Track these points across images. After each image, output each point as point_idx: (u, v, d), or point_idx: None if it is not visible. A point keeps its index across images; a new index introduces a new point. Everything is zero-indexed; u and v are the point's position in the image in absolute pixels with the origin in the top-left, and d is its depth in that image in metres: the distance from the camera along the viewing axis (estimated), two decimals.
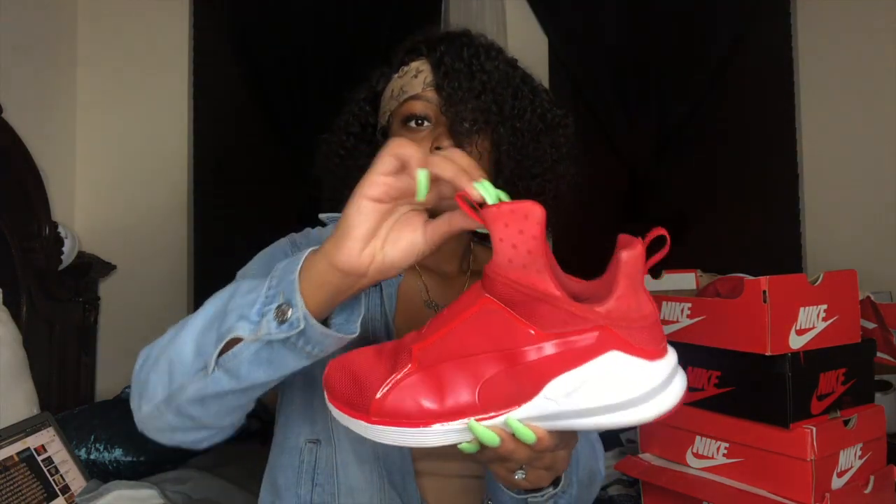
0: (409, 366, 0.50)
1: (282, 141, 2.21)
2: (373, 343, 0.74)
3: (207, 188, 2.34)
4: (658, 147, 2.24)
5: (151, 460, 1.61)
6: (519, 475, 0.57)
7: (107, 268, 2.19)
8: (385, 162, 0.52)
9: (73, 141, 2.23)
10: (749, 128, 2.32)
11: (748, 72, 2.30)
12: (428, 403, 0.49)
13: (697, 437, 1.05)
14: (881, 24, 2.13)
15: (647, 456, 1.14)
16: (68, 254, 1.98)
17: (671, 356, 0.48)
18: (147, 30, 2.28)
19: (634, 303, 0.46)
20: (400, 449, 0.76)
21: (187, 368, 0.60)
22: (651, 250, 0.48)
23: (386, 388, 0.50)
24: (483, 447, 0.51)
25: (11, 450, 1.30)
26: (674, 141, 2.26)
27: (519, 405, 0.48)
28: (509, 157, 0.85)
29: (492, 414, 0.49)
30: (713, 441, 1.03)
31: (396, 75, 0.86)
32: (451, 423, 0.49)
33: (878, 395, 1.25)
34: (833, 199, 2.21)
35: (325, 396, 0.54)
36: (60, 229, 1.96)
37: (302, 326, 0.53)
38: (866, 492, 1.00)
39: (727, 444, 1.01)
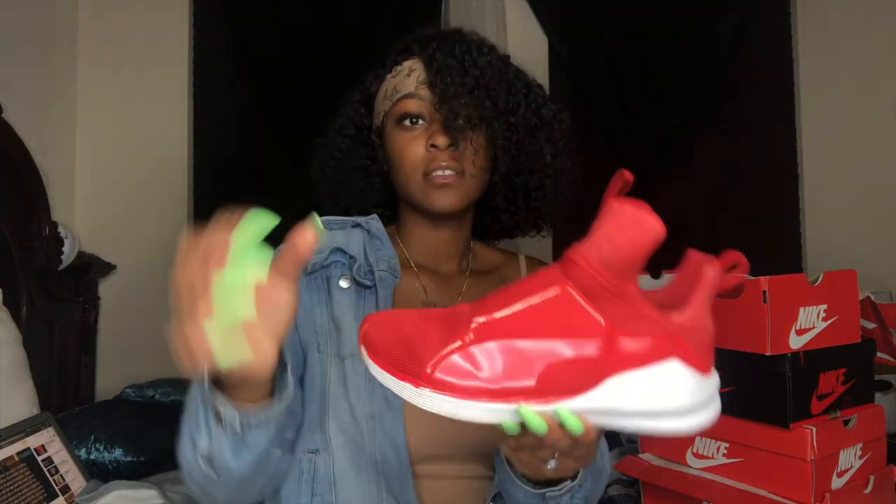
0: (471, 336, 0.48)
1: (282, 141, 2.21)
2: None
3: (207, 188, 2.34)
4: (658, 147, 2.24)
5: (151, 460, 1.61)
6: (551, 464, 0.56)
7: (107, 268, 2.19)
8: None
9: (73, 141, 2.23)
10: (749, 128, 2.32)
11: (748, 72, 2.29)
12: (483, 378, 0.47)
13: (697, 437, 1.05)
14: (881, 24, 2.13)
15: (647, 456, 1.14)
16: (68, 254, 1.98)
17: (716, 375, 0.49)
18: (147, 30, 2.28)
19: (704, 320, 0.47)
20: (398, 454, 0.75)
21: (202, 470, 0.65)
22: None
23: (443, 354, 0.48)
24: (524, 432, 0.50)
25: (11, 450, 1.30)
26: (674, 141, 2.26)
27: (575, 395, 0.47)
28: (505, 152, 0.84)
29: (547, 400, 0.47)
30: (713, 441, 1.03)
31: (389, 75, 0.86)
32: (501, 403, 0.47)
33: (878, 395, 1.25)
34: (833, 199, 2.20)
35: (364, 351, 0.51)
36: (60, 229, 1.96)
37: (239, 424, 0.58)
38: (866, 492, 1.00)
39: (727, 444, 1.01)
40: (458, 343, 0.48)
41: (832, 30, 2.21)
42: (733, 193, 2.31)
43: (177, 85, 2.29)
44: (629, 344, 0.46)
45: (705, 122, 2.28)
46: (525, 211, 0.92)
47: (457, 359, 0.48)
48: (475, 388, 0.47)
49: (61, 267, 1.98)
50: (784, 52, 2.30)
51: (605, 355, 0.46)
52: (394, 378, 0.49)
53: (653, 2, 2.22)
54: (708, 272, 0.46)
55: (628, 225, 0.45)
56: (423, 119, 0.82)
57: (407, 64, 0.84)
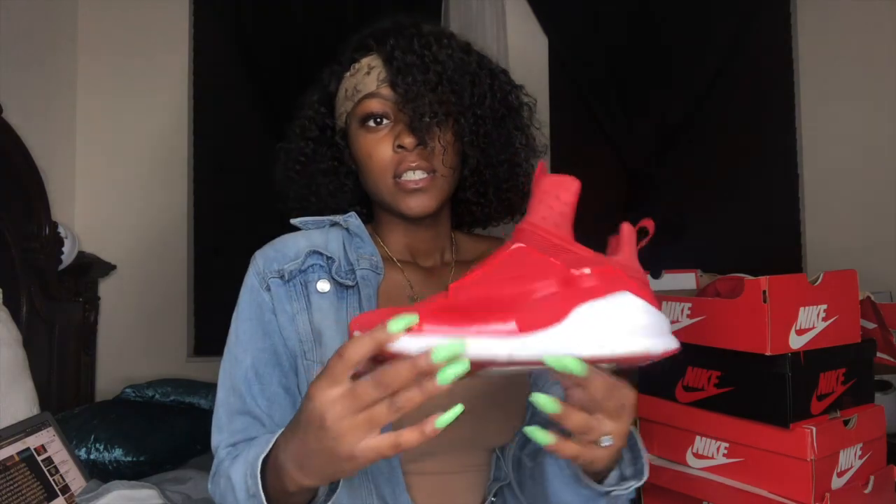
0: (448, 294, 0.54)
1: (282, 140, 2.20)
2: None
3: (207, 188, 2.34)
4: (658, 147, 2.24)
5: (151, 460, 1.61)
6: (606, 441, 0.57)
7: (107, 268, 2.19)
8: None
9: (73, 141, 2.23)
10: (749, 128, 2.32)
11: (748, 72, 2.30)
12: (467, 324, 0.52)
13: (697, 437, 1.05)
14: (881, 24, 2.13)
15: (647, 456, 1.14)
16: (68, 254, 1.98)
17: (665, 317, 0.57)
18: (147, 30, 2.28)
19: (636, 263, 0.57)
20: (388, 459, 0.75)
21: None
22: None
23: (425, 315, 0.52)
24: (567, 413, 0.54)
25: (11, 450, 1.30)
26: (674, 141, 2.26)
27: (549, 326, 0.52)
28: (473, 145, 0.82)
29: (525, 334, 0.52)
30: (713, 441, 1.03)
31: (348, 74, 0.83)
32: (489, 337, 0.51)
33: (878, 395, 1.25)
34: (833, 199, 2.21)
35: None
36: (60, 229, 1.96)
37: None
38: (866, 492, 1.00)
39: (727, 444, 1.01)
40: (437, 301, 0.54)
41: (832, 30, 2.21)
42: (733, 193, 2.31)
43: (177, 85, 2.29)
44: (585, 279, 0.54)
45: (705, 122, 2.28)
46: (496, 202, 0.91)
47: (439, 316, 0.52)
48: (465, 329, 0.52)
49: (61, 267, 1.98)
50: (784, 52, 2.30)
51: (565, 290, 0.53)
52: (414, 336, 0.51)
53: (653, 2, 2.22)
54: (624, 227, 0.58)
55: (551, 187, 0.56)
56: (388, 118, 0.80)
57: (365, 61, 0.82)
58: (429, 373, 0.49)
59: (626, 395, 0.56)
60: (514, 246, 0.56)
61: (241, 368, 0.79)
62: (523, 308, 0.52)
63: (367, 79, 0.80)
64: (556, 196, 0.56)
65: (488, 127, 0.83)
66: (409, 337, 0.50)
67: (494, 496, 0.80)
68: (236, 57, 2.29)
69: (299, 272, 0.81)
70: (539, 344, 0.51)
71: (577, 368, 0.51)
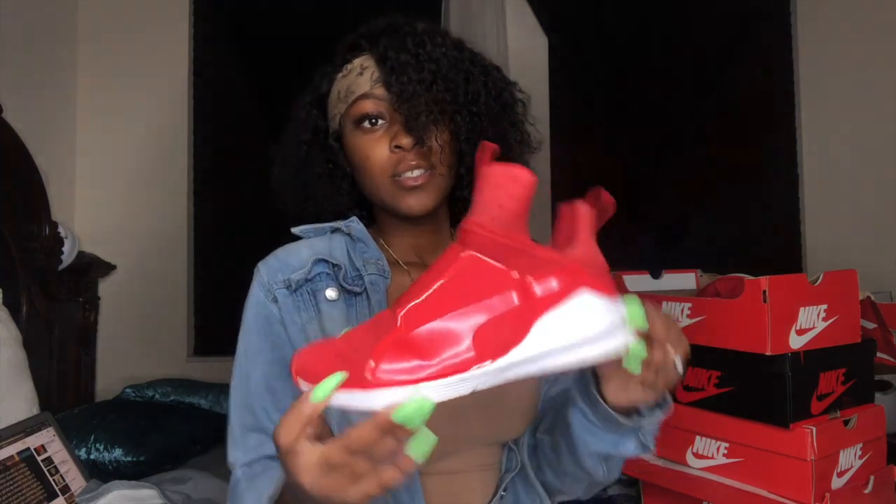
0: (398, 328, 0.50)
1: (278, 142, 2.21)
2: None
3: (207, 188, 2.34)
4: (658, 148, 2.24)
5: (151, 460, 1.61)
6: (679, 364, 0.61)
7: (107, 268, 2.19)
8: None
9: (73, 141, 2.23)
10: (749, 128, 2.32)
11: (748, 72, 2.30)
12: (425, 361, 0.49)
13: (697, 437, 1.05)
14: (881, 24, 2.13)
15: (647, 456, 1.14)
16: (68, 254, 1.98)
17: (621, 301, 0.54)
18: (147, 30, 2.28)
19: (594, 250, 0.53)
20: None
21: None
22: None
23: (379, 353, 0.49)
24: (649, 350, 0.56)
25: (11, 450, 1.30)
26: (674, 141, 2.26)
27: (510, 349, 0.50)
28: (470, 143, 0.82)
29: (489, 360, 0.49)
30: (713, 441, 1.03)
31: (340, 75, 0.82)
32: (452, 376, 0.49)
33: (878, 395, 1.25)
34: (833, 199, 2.21)
35: (303, 383, 0.51)
36: (60, 229, 1.96)
37: None
38: (866, 492, 1.00)
39: (727, 444, 1.01)
40: (392, 337, 0.50)
41: (832, 31, 2.21)
42: (733, 193, 2.31)
43: (177, 85, 2.29)
44: (542, 286, 0.50)
45: (705, 122, 2.28)
46: None
47: (394, 351, 0.49)
48: (423, 369, 0.49)
49: (61, 267, 1.98)
50: (784, 52, 2.30)
51: (524, 303, 0.50)
52: (343, 392, 0.49)
53: (653, 3, 2.22)
54: (581, 209, 0.52)
55: (502, 181, 0.49)
56: (383, 119, 0.79)
57: (357, 62, 0.80)
58: (395, 429, 0.48)
59: (675, 323, 0.61)
60: (465, 254, 0.51)
61: (251, 383, 0.78)
62: (481, 332, 0.49)
63: (361, 79, 0.80)
64: (507, 192, 0.49)
65: (484, 124, 0.83)
66: (363, 393, 0.48)
67: (504, 490, 0.81)
68: (236, 57, 2.30)
69: (306, 281, 0.80)
70: (503, 370, 0.50)
71: (641, 321, 0.54)
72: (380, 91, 0.78)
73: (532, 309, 0.50)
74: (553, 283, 0.50)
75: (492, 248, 0.50)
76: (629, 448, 0.71)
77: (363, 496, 0.51)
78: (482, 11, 2.21)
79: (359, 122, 0.80)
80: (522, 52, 2.27)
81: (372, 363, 0.48)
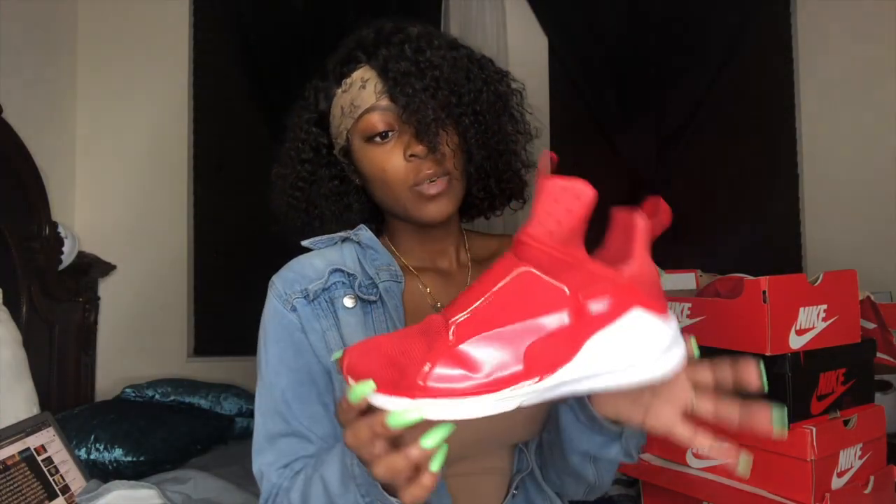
0: (451, 339, 0.50)
1: (282, 141, 2.20)
2: None
3: (207, 188, 2.34)
4: (658, 147, 2.24)
5: (151, 460, 1.61)
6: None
7: (107, 268, 2.19)
8: None
9: (73, 141, 2.23)
10: (749, 128, 2.32)
11: (748, 72, 2.30)
12: (475, 374, 0.49)
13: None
14: (881, 24, 2.13)
15: (647, 456, 1.14)
16: (68, 254, 1.98)
17: (674, 318, 0.54)
18: (147, 30, 2.28)
19: (650, 266, 0.51)
20: None
21: None
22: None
23: (431, 363, 0.50)
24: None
25: (12, 449, 1.30)
26: (674, 141, 2.26)
27: (561, 366, 0.50)
28: (477, 141, 0.82)
29: (538, 377, 0.50)
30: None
31: (340, 90, 0.81)
32: (501, 391, 0.49)
33: (878, 395, 1.25)
34: (833, 199, 2.21)
35: (352, 382, 0.52)
36: (60, 229, 1.96)
37: None
38: (866, 492, 1.00)
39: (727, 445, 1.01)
40: (444, 347, 0.50)
41: (832, 30, 2.21)
42: (733, 193, 2.31)
43: (177, 85, 2.29)
44: (595, 305, 0.50)
45: (705, 122, 2.28)
46: (499, 193, 0.91)
47: (445, 363, 0.49)
48: (470, 387, 0.49)
49: (61, 267, 1.98)
50: (784, 52, 2.30)
51: (576, 321, 0.50)
52: (389, 397, 0.50)
53: (653, 2, 2.22)
54: (639, 222, 0.51)
55: (561, 195, 0.49)
56: (393, 130, 0.79)
57: (356, 75, 0.80)
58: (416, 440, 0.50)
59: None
60: (519, 270, 0.51)
61: (277, 391, 0.79)
62: (531, 349, 0.49)
63: (364, 93, 0.79)
64: (566, 208, 0.49)
65: (489, 121, 0.83)
66: (410, 401, 0.49)
67: (516, 489, 0.81)
68: (236, 57, 2.29)
69: (323, 290, 0.80)
70: (551, 388, 0.50)
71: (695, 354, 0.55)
72: (385, 102, 0.78)
73: (583, 328, 0.50)
74: (606, 302, 0.50)
75: (547, 262, 0.50)
76: (612, 452, 0.71)
77: (416, 490, 0.53)
78: (482, 11, 2.21)
79: (369, 137, 0.80)
80: (522, 52, 2.27)
81: (426, 368, 0.49)
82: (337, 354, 0.53)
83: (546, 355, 0.49)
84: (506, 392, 0.49)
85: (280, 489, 0.75)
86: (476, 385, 0.49)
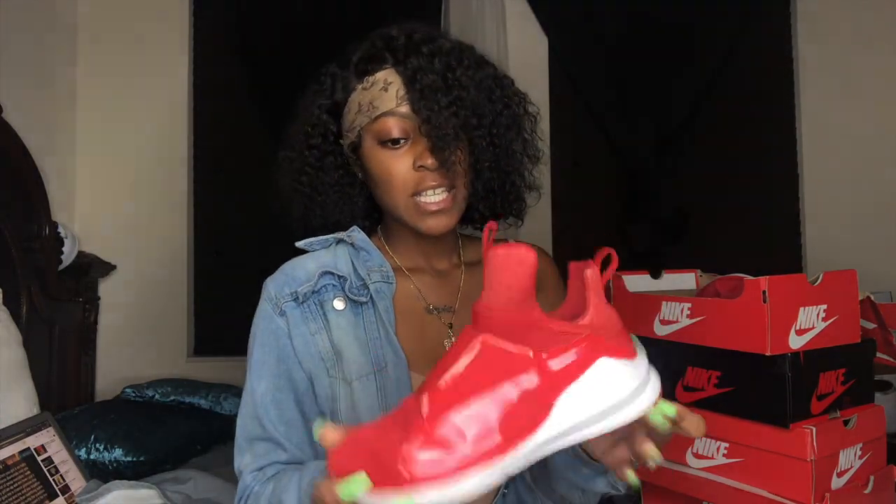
0: (425, 421, 0.50)
1: (281, 143, 2.21)
2: (382, 368, 0.77)
3: (207, 188, 2.35)
4: (658, 147, 2.24)
5: (151, 460, 1.61)
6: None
7: (107, 268, 2.19)
8: None
9: (73, 141, 2.23)
10: (749, 128, 2.32)
11: (748, 72, 2.30)
12: (454, 453, 0.49)
13: (697, 437, 1.05)
14: (881, 24, 2.13)
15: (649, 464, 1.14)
16: (68, 254, 1.98)
17: (643, 353, 0.55)
18: (147, 30, 2.28)
19: (606, 312, 0.53)
20: None
21: None
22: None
23: (409, 450, 0.49)
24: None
25: (12, 449, 1.31)
26: (674, 141, 2.26)
27: (536, 429, 0.50)
28: (489, 162, 0.83)
29: (515, 445, 0.50)
30: (713, 441, 1.03)
31: (361, 86, 0.81)
32: (486, 464, 0.49)
33: (878, 395, 1.25)
34: (833, 199, 2.21)
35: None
36: (60, 229, 1.96)
37: None
38: (866, 492, 1.00)
39: (727, 444, 1.01)
40: (420, 436, 0.50)
41: (832, 30, 2.21)
42: (733, 193, 2.31)
43: (177, 85, 2.29)
44: (559, 362, 0.51)
45: (705, 122, 2.28)
46: (500, 211, 0.91)
47: (424, 447, 0.49)
48: (453, 468, 0.49)
49: (61, 267, 1.98)
50: (784, 52, 2.30)
51: (544, 381, 0.50)
52: (380, 494, 0.49)
53: (652, 2, 2.22)
54: (588, 273, 0.53)
55: (506, 263, 0.51)
56: (407, 137, 0.79)
57: (380, 75, 0.79)
58: None
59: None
60: (480, 340, 0.52)
61: (257, 395, 0.81)
62: (505, 417, 0.49)
63: (385, 95, 0.79)
64: (513, 273, 0.51)
65: (502, 143, 0.84)
66: (397, 492, 0.48)
67: (506, 488, 0.81)
68: (236, 57, 2.30)
69: (313, 293, 0.81)
70: (534, 450, 0.50)
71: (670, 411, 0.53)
72: (405, 110, 0.78)
73: (553, 386, 0.50)
74: (570, 356, 0.51)
75: (506, 328, 0.51)
76: (598, 485, 0.71)
77: None
78: (482, 11, 2.21)
79: (383, 140, 0.80)
80: (522, 52, 2.27)
81: (407, 455, 0.49)
82: (318, 425, 0.53)
83: (521, 420, 0.50)
84: (488, 467, 0.49)
85: (252, 493, 0.77)
86: (458, 463, 0.49)
